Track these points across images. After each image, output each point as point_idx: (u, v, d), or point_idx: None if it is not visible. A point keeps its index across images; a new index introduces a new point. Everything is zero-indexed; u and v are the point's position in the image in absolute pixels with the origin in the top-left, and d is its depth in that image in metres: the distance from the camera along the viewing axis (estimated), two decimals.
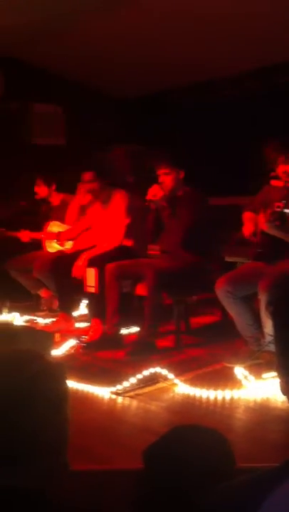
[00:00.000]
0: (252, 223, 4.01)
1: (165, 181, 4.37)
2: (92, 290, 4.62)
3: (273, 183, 4.07)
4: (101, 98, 7.10)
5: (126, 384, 3.44)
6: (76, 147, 6.77)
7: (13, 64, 6.41)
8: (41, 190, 5.57)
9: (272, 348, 3.19)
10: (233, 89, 6.34)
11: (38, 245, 5.55)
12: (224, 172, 6.15)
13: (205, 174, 6.07)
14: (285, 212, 3.49)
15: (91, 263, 4.57)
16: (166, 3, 5.06)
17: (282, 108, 5.82)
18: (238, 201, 4.87)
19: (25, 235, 5.51)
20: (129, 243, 4.85)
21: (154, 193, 4.36)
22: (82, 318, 5.19)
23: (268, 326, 3.49)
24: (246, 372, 3.45)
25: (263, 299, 3.54)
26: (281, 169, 3.81)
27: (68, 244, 5.29)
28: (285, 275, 3.55)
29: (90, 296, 4.85)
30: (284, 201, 3.53)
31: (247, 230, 3.99)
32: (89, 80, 6.89)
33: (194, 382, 3.47)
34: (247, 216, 4.12)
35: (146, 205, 4.47)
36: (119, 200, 4.78)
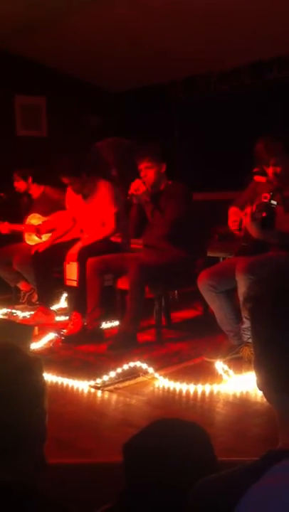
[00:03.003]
0: (237, 218, 4.01)
1: (147, 175, 4.35)
2: (74, 284, 4.60)
3: (257, 178, 4.08)
4: (87, 90, 7.05)
5: (106, 378, 3.43)
6: (59, 139, 6.72)
7: None
8: (20, 185, 5.51)
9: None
10: (227, 84, 6.32)
11: (17, 238, 5.50)
12: (213, 166, 6.15)
13: (193, 168, 6.09)
14: (272, 204, 3.48)
15: (81, 254, 4.53)
16: None
17: (277, 103, 5.83)
18: (224, 196, 4.87)
19: (4, 227, 5.46)
20: (118, 239, 4.82)
21: (136, 187, 4.33)
22: (61, 312, 5.16)
23: (247, 321, 3.49)
24: (226, 367, 3.46)
25: (240, 282, 3.52)
26: (271, 170, 3.80)
27: (46, 237, 5.24)
28: (263, 258, 3.56)
29: (70, 289, 4.82)
30: (270, 193, 3.52)
31: (232, 223, 3.99)
32: (75, 72, 6.83)
33: (175, 376, 3.47)
34: (233, 211, 4.12)
35: (128, 199, 4.44)
36: (105, 190, 4.75)
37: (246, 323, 3.54)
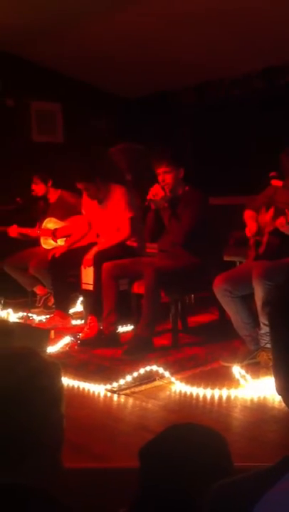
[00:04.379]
0: (254, 222, 4.00)
1: (165, 180, 4.34)
2: (90, 288, 4.61)
3: (274, 182, 4.06)
4: (100, 96, 7.08)
5: (122, 382, 3.43)
6: (74, 145, 6.76)
7: (11, 60, 6.39)
8: (39, 188, 5.54)
9: (270, 346, 3.17)
10: (235, 90, 6.32)
11: (34, 242, 5.54)
12: (225, 172, 6.14)
13: (206, 174, 6.08)
14: None
15: (97, 258, 4.55)
16: (168, 3, 5.03)
17: (284, 109, 5.80)
18: (237, 201, 4.86)
19: (13, 230, 5.48)
20: (134, 244, 4.83)
21: (155, 192, 4.33)
22: (77, 316, 5.18)
23: (265, 322, 3.48)
24: (243, 372, 3.44)
25: (257, 287, 3.51)
26: None
27: (62, 241, 5.27)
28: (281, 264, 3.54)
29: (85, 293, 4.84)
30: None
31: (251, 229, 3.98)
32: (88, 78, 6.87)
33: (191, 380, 3.45)
34: (248, 215, 4.10)
35: (146, 204, 4.44)
36: (120, 195, 4.76)
37: (264, 329, 3.52)
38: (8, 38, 5.83)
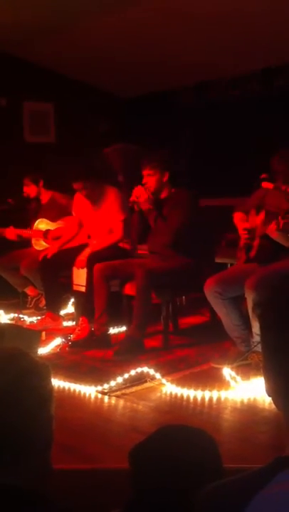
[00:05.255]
0: (245, 224, 4.01)
1: (148, 182, 4.35)
2: (82, 289, 4.61)
3: (264, 185, 4.07)
4: (95, 96, 7.07)
5: (113, 383, 3.42)
6: (67, 145, 6.75)
7: (4, 59, 6.37)
8: (30, 190, 5.52)
9: (260, 348, 3.18)
10: (234, 90, 6.33)
11: (25, 243, 5.52)
12: (220, 172, 6.15)
13: (202, 174, 6.08)
14: None
15: (90, 260, 4.55)
16: (170, 1, 5.02)
17: (283, 110, 5.82)
18: (230, 202, 4.86)
19: (10, 232, 5.47)
20: (126, 245, 4.83)
21: (138, 194, 4.33)
22: (69, 317, 5.17)
23: (256, 327, 3.49)
24: (234, 373, 3.44)
25: (249, 298, 3.53)
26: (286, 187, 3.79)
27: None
28: (273, 274, 3.55)
29: (77, 294, 4.83)
30: None
31: (242, 227, 3.98)
32: (83, 77, 6.85)
33: (182, 382, 3.46)
34: (238, 217, 4.12)
35: (130, 206, 4.45)
36: (113, 197, 4.76)
37: (256, 338, 3.53)
38: (1, 37, 5.81)
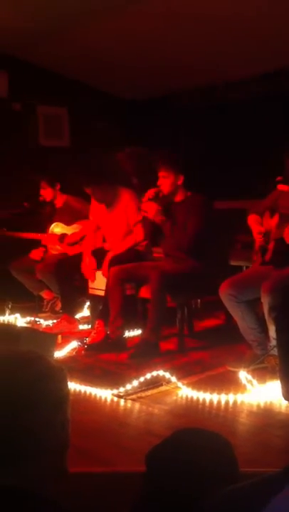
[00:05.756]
0: (259, 226, 4.00)
1: (162, 184, 4.36)
2: (98, 293, 4.62)
3: (280, 187, 4.06)
4: (106, 99, 7.10)
5: (128, 387, 3.42)
6: (80, 148, 6.78)
7: (18, 64, 6.42)
8: (47, 193, 5.52)
9: (276, 352, 3.18)
10: (238, 93, 6.33)
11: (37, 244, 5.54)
12: (230, 176, 6.15)
13: (211, 177, 6.08)
14: None
15: (112, 263, 4.56)
16: (172, 5, 5.04)
17: (287, 112, 5.81)
18: (243, 205, 4.86)
19: (36, 254, 5.44)
20: (141, 248, 4.84)
21: (146, 209, 4.33)
22: (84, 320, 5.18)
23: (272, 330, 3.47)
24: (250, 377, 3.43)
25: (265, 301, 3.51)
26: None
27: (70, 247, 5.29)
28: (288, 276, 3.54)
29: (93, 297, 4.85)
30: None
31: (257, 230, 3.97)
32: (95, 81, 6.89)
33: (197, 385, 3.45)
34: (253, 219, 4.10)
35: (141, 206, 4.45)
36: (128, 198, 4.78)
37: (273, 342, 3.51)
38: (14, 42, 5.86)
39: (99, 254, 4.89)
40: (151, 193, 4.35)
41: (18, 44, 5.91)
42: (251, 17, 4.98)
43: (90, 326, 4.91)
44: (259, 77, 6.03)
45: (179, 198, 4.42)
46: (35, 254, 5.41)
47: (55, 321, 5.16)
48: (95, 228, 5.06)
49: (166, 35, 5.52)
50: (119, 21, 5.34)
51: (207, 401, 3.28)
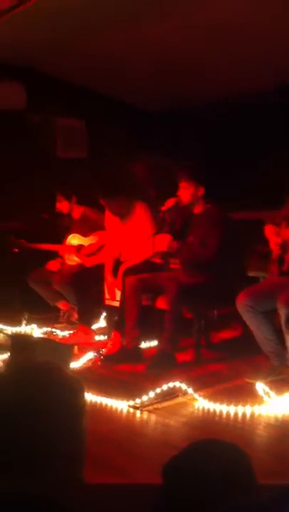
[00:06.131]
0: (276, 236, 3.98)
1: (182, 195, 4.37)
2: (116, 304, 4.63)
3: None
4: (124, 110, 7.13)
5: (145, 398, 3.41)
6: (98, 160, 6.81)
7: (35, 76, 6.48)
8: (63, 206, 5.55)
9: None
10: (253, 105, 6.32)
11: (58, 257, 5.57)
12: (247, 187, 6.13)
13: (228, 189, 6.07)
14: None
15: (125, 275, 4.57)
16: (192, 16, 5.06)
17: None
18: (260, 216, 4.84)
19: (54, 265, 5.49)
20: (157, 260, 4.84)
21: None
22: (101, 331, 5.18)
23: None
24: (267, 388, 3.40)
25: (282, 312, 3.50)
26: None
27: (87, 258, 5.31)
28: None
29: (109, 308, 4.85)
30: None
31: (274, 241, 3.96)
32: (112, 93, 6.92)
33: (214, 397, 3.42)
34: (270, 230, 4.09)
35: (160, 215, 4.45)
36: (142, 212, 4.79)
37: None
38: (31, 54, 5.91)
39: (114, 265, 4.90)
40: (171, 202, 4.36)
41: (37, 56, 5.97)
42: (274, 28, 4.96)
43: (106, 337, 4.91)
44: (276, 88, 6.02)
45: (198, 209, 4.43)
46: (53, 265, 5.45)
47: (71, 331, 5.17)
48: (112, 240, 5.07)
49: (183, 45, 5.53)
50: (138, 34, 5.37)
51: (224, 413, 3.25)
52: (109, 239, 5.09)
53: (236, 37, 5.23)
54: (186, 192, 4.36)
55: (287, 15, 4.79)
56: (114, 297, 4.78)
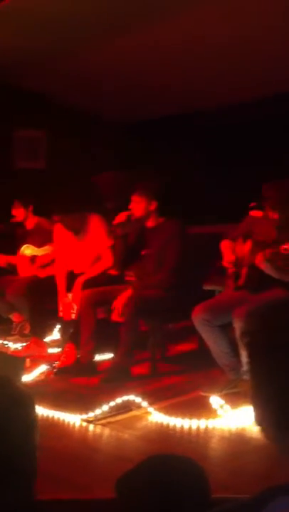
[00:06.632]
0: (231, 252, 4.02)
1: (133, 208, 4.37)
2: (72, 316, 4.56)
3: (252, 213, 4.10)
4: (87, 122, 7.11)
5: (98, 411, 3.36)
6: (57, 172, 6.77)
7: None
8: (18, 213, 5.51)
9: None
10: (233, 117, 6.40)
11: (11, 268, 5.49)
12: (208, 201, 6.20)
13: (188, 202, 6.13)
14: None
15: (85, 287, 4.51)
16: (158, 32, 5.09)
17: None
18: (217, 229, 4.89)
19: (1, 259, 5.44)
20: (114, 272, 4.80)
21: (120, 220, 4.34)
22: (54, 344, 5.11)
23: (245, 355, 3.46)
24: (222, 402, 3.40)
25: (237, 326, 3.52)
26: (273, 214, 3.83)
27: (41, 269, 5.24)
28: (261, 303, 3.55)
29: (64, 321, 4.78)
30: None
31: (227, 259, 3.99)
32: (74, 103, 6.89)
33: (169, 410, 3.40)
34: (225, 245, 4.12)
35: (112, 230, 4.44)
36: (97, 224, 4.75)
37: (244, 357, 3.51)
38: None
39: (69, 278, 4.83)
40: (122, 216, 4.35)
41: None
42: (259, 39, 5.01)
43: (59, 350, 4.84)
44: (259, 102, 6.08)
45: (151, 223, 4.43)
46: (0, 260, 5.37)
47: (24, 344, 5.08)
48: (62, 254, 4.97)
49: (150, 59, 5.57)
50: (106, 47, 5.37)
51: (178, 426, 3.23)
52: (58, 253, 5.01)
53: (223, 48, 5.24)
54: (138, 206, 4.36)
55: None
56: (69, 316, 4.66)
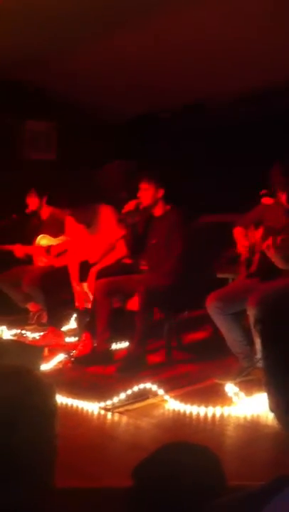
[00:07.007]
0: (244, 238, 4.03)
1: (142, 196, 4.39)
2: (87, 305, 4.61)
3: (264, 200, 4.09)
4: (94, 117, 7.11)
5: (115, 400, 3.41)
6: (67, 163, 6.78)
7: (7, 81, 6.42)
8: (32, 202, 5.54)
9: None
10: (223, 113, 6.38)
11: (27, 259, 5.53)
12: (217, 190, 6.20)
13: (198, 191, 6.13)
14: None
15: (99, 277, 4.56)
16: (159, 28, 5.07)
17: (274, 132, 5.87)
18: (228, 218, 4.89)
19: (19, 250, 5.48)
20: (128, 261, 4.84)
21: (130, 208, 4.37)
22: (71, 333, 5.16)
23: (259, 343, 3.48)
24: (237, 389, 3.43)
25: (251, 314, 3.54)
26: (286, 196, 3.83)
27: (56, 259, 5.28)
28: (274, 291, 3.56)
29: (79, 310, 4.83)
30: None
31: (241, 243, 4.00)
32: (83, 99, 6.90)
33: (185, 398, 3.44)
34: (238, 232, 4.13)
35: (122, 218, 4.47)
36: (108, 214, 4.77)
37: (258, 344, 3.53)
38: (4, 61, 5.85)
39: (84, 267, 4.87)
40: (131, 205, 4.38)
41: (9, 62, 5.90)
42: (241, 38, 5.00)
43: (76, 339, 4.89)
44: (248, 98, 6.07)
45: (158, 211, 4.45)
46: (18, 251, 5.42)
47: (41, 333, 5.13)
48: (74, 246, 5.00)
49: (158, 57, 5.55)
50: (109, 43, 5.35)
51: (194, 414, 3.28)
52: (71, 245, 5.05)
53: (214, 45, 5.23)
54: (147, 193, 4.38)
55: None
56: (83, 305, 4.74)
